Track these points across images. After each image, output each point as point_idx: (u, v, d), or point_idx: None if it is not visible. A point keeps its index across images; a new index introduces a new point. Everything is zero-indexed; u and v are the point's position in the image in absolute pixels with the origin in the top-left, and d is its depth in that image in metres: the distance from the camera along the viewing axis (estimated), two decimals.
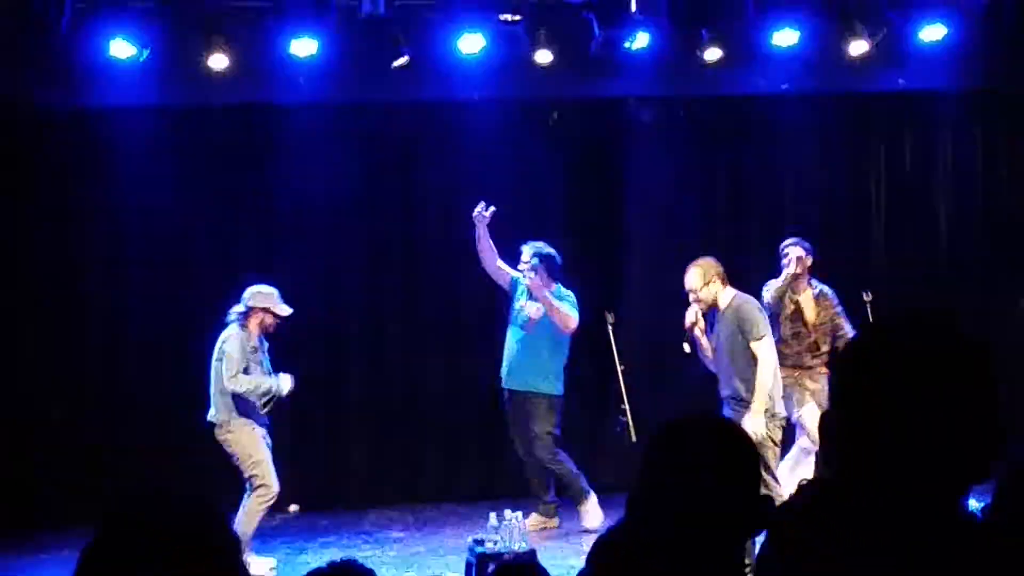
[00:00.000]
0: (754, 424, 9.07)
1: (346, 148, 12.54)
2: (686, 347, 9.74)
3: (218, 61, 10.98)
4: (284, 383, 9.89)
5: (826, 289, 10.85)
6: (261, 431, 9.92)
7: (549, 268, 10.94)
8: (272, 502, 10.00)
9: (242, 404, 9.84)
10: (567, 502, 11.37)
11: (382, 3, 10.65)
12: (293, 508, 10.92)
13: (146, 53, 10.73)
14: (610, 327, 10.96)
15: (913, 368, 2.11)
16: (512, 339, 11.11)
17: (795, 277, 10.64)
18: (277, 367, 10.07)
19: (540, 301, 10.86)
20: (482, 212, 10.84)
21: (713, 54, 11.54)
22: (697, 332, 9.64)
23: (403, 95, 12.02)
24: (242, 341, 9.84)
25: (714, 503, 3.07)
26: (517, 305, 11.09)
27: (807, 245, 10.78)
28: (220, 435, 9.92)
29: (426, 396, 12.71)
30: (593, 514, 10.99)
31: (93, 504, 9.95)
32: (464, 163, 12.56)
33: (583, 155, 13.00)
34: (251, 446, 9.86)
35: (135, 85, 11.25)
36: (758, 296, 10.00)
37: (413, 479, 12.70)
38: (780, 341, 10.21)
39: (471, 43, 11.05)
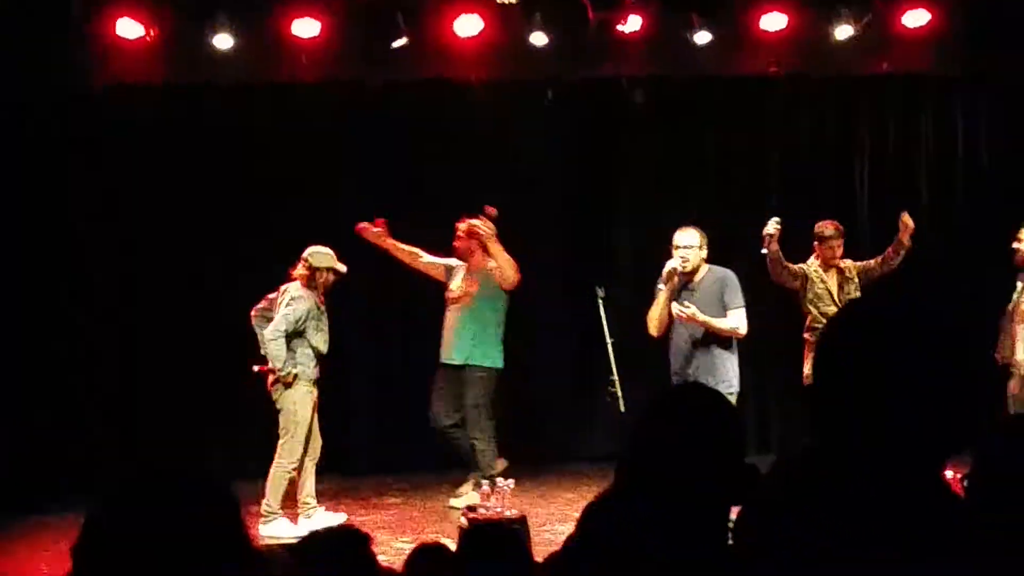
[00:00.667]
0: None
1: (345, 127, 12.66)
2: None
3: (222, 41, 11.17)
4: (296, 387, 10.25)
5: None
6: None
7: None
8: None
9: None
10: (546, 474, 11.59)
11: None
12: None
13: (153, 33, 10.88)
14: (600, 301, 11.07)
15: (891, 343, 2.15)
16: (452, 316, 11.16)
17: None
18: None
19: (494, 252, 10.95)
20: (371, 228, 10.93)
21: (703, 37, 11.71)
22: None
23: (402, 75, 12.16)
24: (311, 303, 10.13)
25: (701, 470, 3.10)
26: (455, 286, 11.16)
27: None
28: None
29: (421, 367, 12.46)
30: (468, 497, 10.81)
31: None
32: (462, 141, 12.71)
33: (577, 133, 13.08)
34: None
35: (142, 64, 11.41)
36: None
37: (410, 447, 12.72)
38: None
39: (468, 25, 11.19)
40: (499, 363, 11.06)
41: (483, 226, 10.77)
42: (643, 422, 3.26)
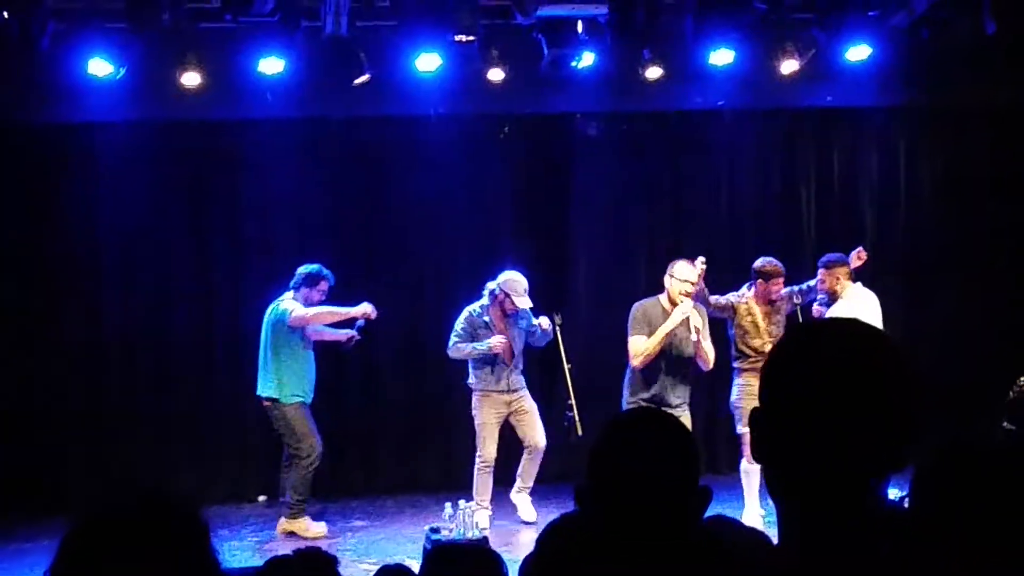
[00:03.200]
0: None
1: (311, 161, 12.92)
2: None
3: (191, 79, 11.26)
4: None
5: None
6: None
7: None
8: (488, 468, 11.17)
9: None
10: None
11: (344, 24, 10.70)
12: (261, 498, 11.30)
13: (123, 71, 10.91)
14: (558, 328, 11.35)
15: (833, 366, 2.15)
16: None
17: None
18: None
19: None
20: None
21: (654, 72, 11.78)
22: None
23: (364, 111, 12.34)
24: None
25: (658, 493, 3.12)
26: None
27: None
28: None
29: (386, 393, 13.08)
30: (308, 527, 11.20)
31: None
32: (422, 175, 12.91)
33: (533, 167, 13.40)
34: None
35: (112, 101, 11.52)
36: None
37: (373, 471, 13.07)
38: None
39: (428, 62, 11.24)
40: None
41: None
42: (600, 446, 3.25)
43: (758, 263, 11.31)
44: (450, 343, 11.39)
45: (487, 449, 11.37)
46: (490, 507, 11.36)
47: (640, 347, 10.29)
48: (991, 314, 13.12)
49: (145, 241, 12.57)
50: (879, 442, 2.14)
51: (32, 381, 12.44)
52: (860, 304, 11.06)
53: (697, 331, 10.28)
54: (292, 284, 11.10)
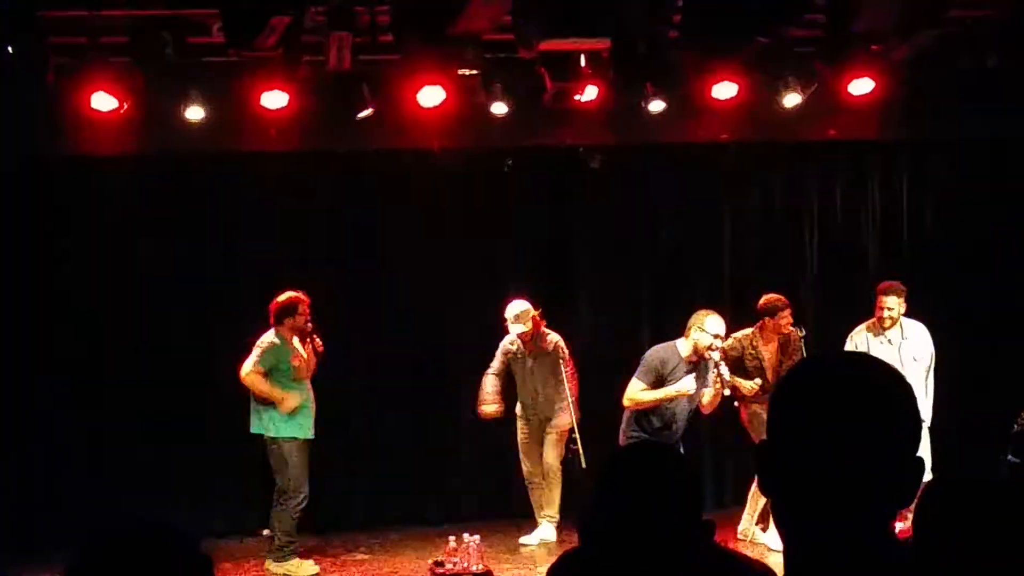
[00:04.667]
0: None
1: (313, 195, 12.97)
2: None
3: (194, 113, 11.34)
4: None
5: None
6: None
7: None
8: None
9: None
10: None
11: (347, 58, 10.70)
12: (265, 532, 11.29)
13: (126, 106, 10.94)
14: (561, 361, 11.49)
15: (840, 401, 2.14)
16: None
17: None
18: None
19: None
20: None
21: (657, 106, 11.80)
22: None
23: (368, 145, 12.37)
24: None
25: (661, 527, 3.17)
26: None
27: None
28: None
29: (390, 426, 13.05)
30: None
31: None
32: (425, 208, 12.97)
33: (536, 200, 13.42)
34: None
35: (115, 136, 11.53)
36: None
37: (377, 504, 13.05)
38: None
39: (431, 96, 11.24)
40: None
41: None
42: (603, 480, 3.32)
43: (760, 302, 11.33)
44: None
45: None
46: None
47: (635, 396, 10.25)
48: (994, 347, 13.11)
49: (146, 275, 12.56)
50: (885, 477, 2.13)
51: (28, 414, 12.43)
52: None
53: (724, 386, 10.22)
54: (274, 321, 11.05)
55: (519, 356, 11.86)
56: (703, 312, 10.36)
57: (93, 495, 12.08)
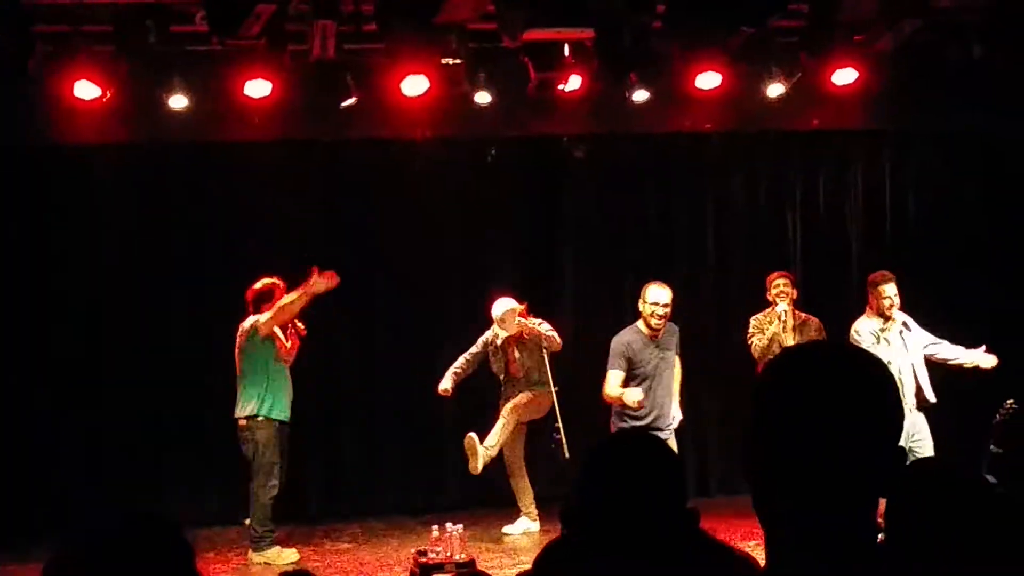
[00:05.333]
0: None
1: (297, 184, 12.91)
2: None
3: (177, 101, 11.31)
4: None
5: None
6: None
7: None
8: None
9: None
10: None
11: (331, 47, 10.68)
12: (247, 521, 11.26)
13: (109, 95, 10.91)
14: (545, 352, 11.49)
15: (820, 389, 2.12)
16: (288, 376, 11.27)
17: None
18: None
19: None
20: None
21: (640, 95, 11.84)
22: None
23: (351, 134, 12.39)
24: None
25: (643, 515, 3.13)
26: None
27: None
28: None
29: (374, 416, 13.07)
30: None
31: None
32: (408, 197, 12.95)
33: (519, 189, 13.44)
34: None
35: (99, 124, 11.50)
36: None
37: (363, 494, 13.05)
38: None
39: (415, 85, 11.24)
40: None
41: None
42: (586, 469, 3.28)
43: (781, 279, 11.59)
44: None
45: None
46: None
47: (608, 391, 10.39)
48: (977, 337, 13.11)
49: (132, 264, 12.53)
50: (868, 467, 2.11)
51: (22, 402, 12.36)
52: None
53: None
54: (252, 308, 11.03)
55: (502, 347, 11.84)
56: (647, 285, 10.53)
57: (79, 484, 12.08)
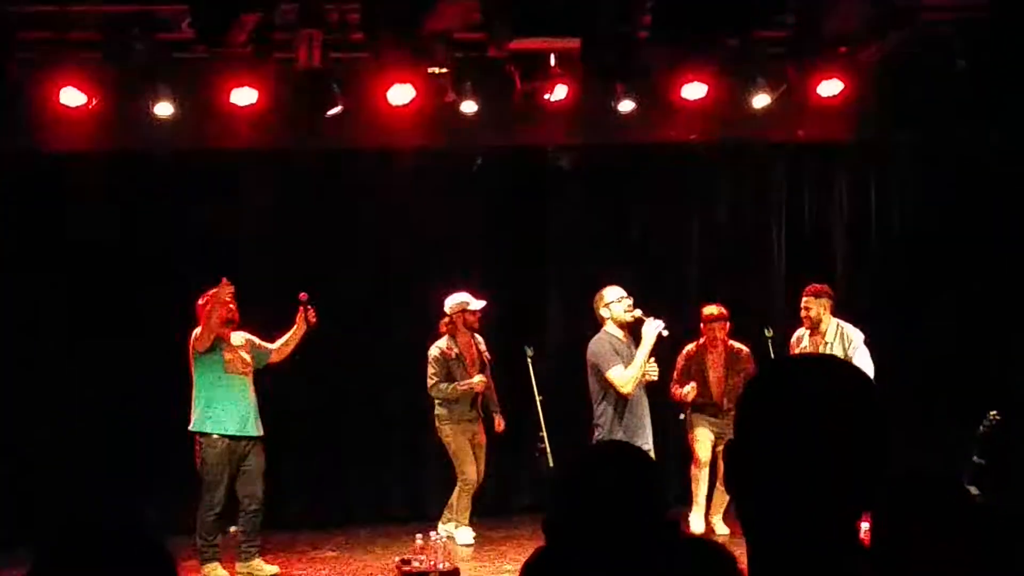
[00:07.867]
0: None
1: (283, 192, 12.92)
2: None
3: (163, 109, 11.28)
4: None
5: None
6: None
7: None
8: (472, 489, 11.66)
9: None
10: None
11: (318, 55, 10.70)
12: (233, 529, 11.22)
13: (94, 102, 10.93)
14: (529, 360, 11.43)
15: (805, 402, 2.13)
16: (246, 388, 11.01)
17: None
18: None
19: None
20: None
21: (626, 105, 11.88)
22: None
23: (337, 142, 12.36)
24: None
25: (624, 526, 3.11)
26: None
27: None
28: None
29: (357, 424, 13.04)
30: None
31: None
32: (393, 206, 12.94)
33: (505, 199, 13.40)
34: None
35: (84, 131, 11.46)
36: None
37: (346, 502, 13.06)
38: None
39: (401, 94, 11.26)
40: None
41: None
42: (565, 480, 3.30)
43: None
44: (429, 384, 11.75)
45: (470, 471, 11.79)
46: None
47: (627, 374, 9.99)
48: (961, 348, 13.16)
49: (115, 271, 12.48)
50: (850, 480, 2.12)
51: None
52: (839, 341, 11.19)
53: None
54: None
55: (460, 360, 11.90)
56: (600, 292, 10.42)
57: (54, 492, 12.05)
